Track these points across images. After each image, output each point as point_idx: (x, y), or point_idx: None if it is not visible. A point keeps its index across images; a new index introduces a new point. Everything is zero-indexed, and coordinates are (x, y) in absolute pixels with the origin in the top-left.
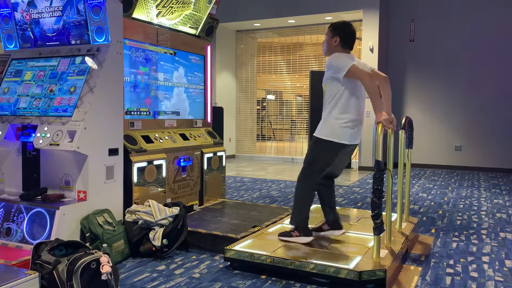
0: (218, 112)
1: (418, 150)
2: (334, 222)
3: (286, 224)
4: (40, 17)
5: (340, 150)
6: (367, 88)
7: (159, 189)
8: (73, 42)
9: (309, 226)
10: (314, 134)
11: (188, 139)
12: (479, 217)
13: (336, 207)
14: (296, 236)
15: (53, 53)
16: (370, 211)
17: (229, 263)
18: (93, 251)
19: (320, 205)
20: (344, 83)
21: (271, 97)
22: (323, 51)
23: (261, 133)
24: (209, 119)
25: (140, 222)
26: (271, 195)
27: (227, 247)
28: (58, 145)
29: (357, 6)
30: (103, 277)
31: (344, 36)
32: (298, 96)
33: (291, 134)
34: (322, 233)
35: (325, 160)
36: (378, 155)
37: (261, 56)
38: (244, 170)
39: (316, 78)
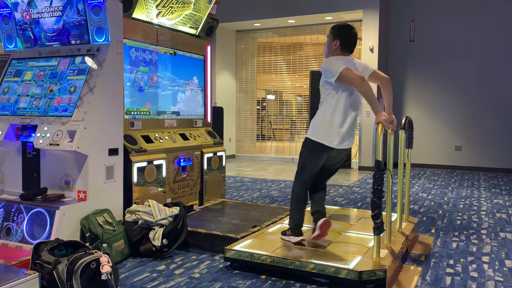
0: (218, 112)
1: (418, 150)
2: (317, 213)
3: (286, 224)
4: (40, 17)
5: (325, 152)
6: (360, 92)
7: (159, 189)
8: (73, 42)
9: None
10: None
11: (188, 139)
12: (479, 217)
13: (325, 207)
14: (289, 235)
15: (53, 53)
16: (370, 211)
17: (229, 263)
18: (93, 251)
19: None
20: (336, 87)
21: (271, 97)
22: (324, 53)
23: (261, 133)
24: (209, 119)
25: (140, 222)
26: (271, 195)
27: (227, 247)
28: (58, 145)
29: (357, 6)
30: (103, 277)
31: (344, 40)
32: (298, 96)
33: (291, 134)
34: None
35: (312, 160)
36: (378, 155)
37: (261, 56)
38: (244, 170)
39: (316, 78)
